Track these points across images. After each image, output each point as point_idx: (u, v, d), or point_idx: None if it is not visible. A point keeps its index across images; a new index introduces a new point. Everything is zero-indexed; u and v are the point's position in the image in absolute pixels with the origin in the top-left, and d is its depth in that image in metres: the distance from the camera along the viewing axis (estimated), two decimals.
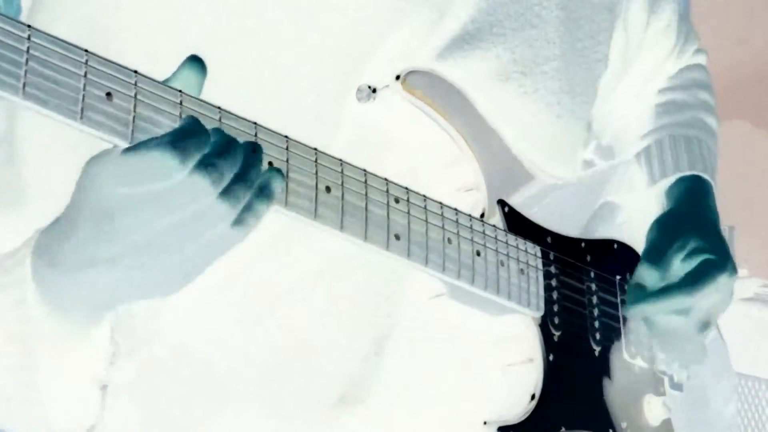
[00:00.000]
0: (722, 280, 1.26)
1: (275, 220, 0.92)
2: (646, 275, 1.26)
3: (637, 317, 1.27)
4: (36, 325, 0.96)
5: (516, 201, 1.17)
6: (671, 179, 1.39)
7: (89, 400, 1.02)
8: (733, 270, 1.28)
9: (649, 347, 1.30)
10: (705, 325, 1.27)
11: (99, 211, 0.86)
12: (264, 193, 0.88)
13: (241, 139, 0.88)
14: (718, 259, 1.26)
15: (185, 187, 0.84)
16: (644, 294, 1.25)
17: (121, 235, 0.86)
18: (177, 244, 0.87)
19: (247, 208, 0.87)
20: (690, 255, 1.26)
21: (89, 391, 1.01)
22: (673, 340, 1.28)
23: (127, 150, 0.84)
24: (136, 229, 0.86)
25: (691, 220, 1.31)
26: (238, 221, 0.87)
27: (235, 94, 1.02)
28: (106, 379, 1.04)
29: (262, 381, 1.09)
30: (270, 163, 0.92)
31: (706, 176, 1.40)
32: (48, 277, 0.93)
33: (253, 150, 0.88)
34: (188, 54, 0.90)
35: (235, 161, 0.86)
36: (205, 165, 0.84)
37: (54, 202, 0.93)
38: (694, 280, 1.24)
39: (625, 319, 1.28)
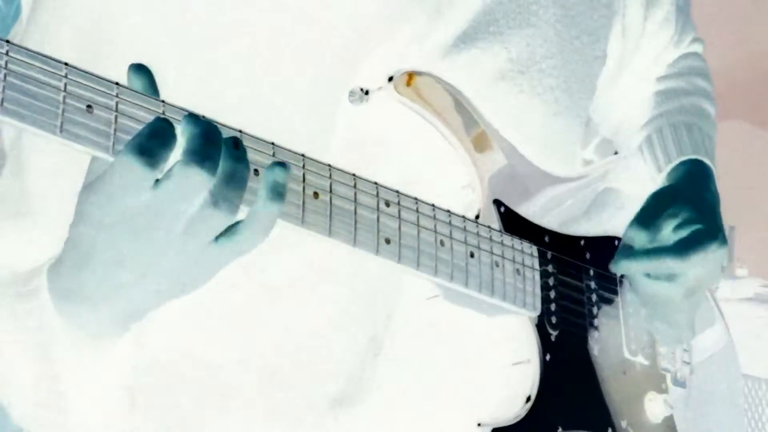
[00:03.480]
0: (712, 249, 1.26)
1: None
2: (635, 236, 1.26)
3: (624, 273, 1.27)
4: (59, 348, 0.97)
5: (530, 210, 1.17)
6: (674, 163, 1.39)
7: (119, 407, 1.04)
8: (723, 242, 1.28)
9: (651, 342, 1.30)
10: (691, 294, 1.27)
11: (117, 234, 0.87)
12: (275, 192, 0.89)
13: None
14: (709, 230, 1.27)
15: (176, 188, 0.85)
16: (632, 252, 1.25)
17: (148, 249, 0.88)
18: (191, 250, 0.88)
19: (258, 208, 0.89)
20: (682, 225, 1.26)
21: (118, 398, 1.03)
22: (661, 307, 1.27)
23: (98, 176, 0.85)
24: (160, 237, 0.87)
25: (688, 194, 1.32)
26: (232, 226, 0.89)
27: (228, 97, 1.02)
28: (134, 383, 1.06)
29: (260, 382, 1.10)
30: (256, 171, 0.91)
31: (707, 161, 1.39)
32: (69, 309, 0.95)
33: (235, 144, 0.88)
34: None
35: (218, 150, 0.86)
36: (188, 160, 0.85)
37: (61, 214, 0.94)
38: (684, 246, 1.25)
39: (625, 317, 1.27)
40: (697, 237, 1.26)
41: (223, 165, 0.86)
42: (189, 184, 0.85)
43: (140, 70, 0.87)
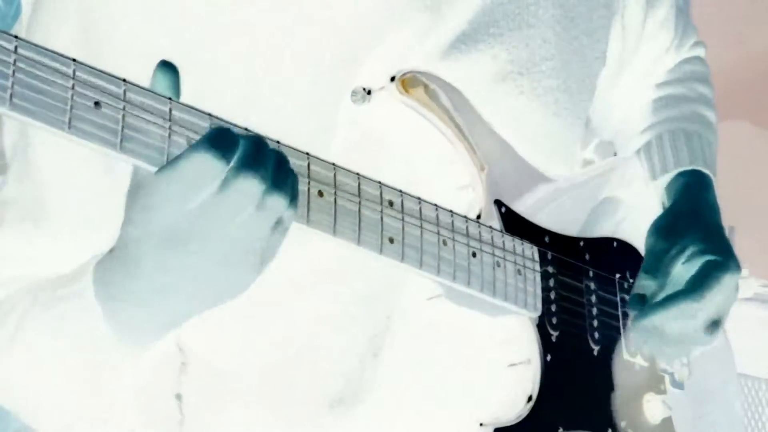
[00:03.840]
0: (726, 279, 1.25)
1: None
2: (645, 285, 1.25)
3: (648, 329, 1.25)
4: (107, 352, 0.97)
5: (522, 206, 1.17)
6: (671, 174, 1.39)
7: (167, 411, 1.03)
8: (736, 267, 1.27)
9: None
10: (715, 324, 1.26)
11: (164, 239, 0.87)
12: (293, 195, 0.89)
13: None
14: (720, 259, 1.25)
15: (235, 187, 0.85)
16: (649, 305, 1.24)
17: (193, 253, 0.88)
18: (243, 249, 0.88)
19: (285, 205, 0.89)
20: (690, 258, 1.26)
21: (165, 402, 1.03)
22: (682, 341, 1.27)
23: (164, 168, 0.84)
24: (205, 241, 0.87)
25: (690, 220, 1.30)
26: (278, 223, 0.89)
27: (231, 96, 1.02)
28: (179, 388, 1.06)
29: (260, 382, 1.10)
30: None
31: (706, 171, 1.39)
32: (117, 310, 0.95)
33: (281, 155, 0.89)
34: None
35: (270, 158, 0.87)
36: (248, 161, 0.85)
37: (74, 216, 0.94)
38: (698, 285, 1.23)
39: (624, 318, 1.28)
40: (710, 271, 1.24)
41: (273, 173, 0.87)
42: (243, 192, 0.86)
43: (167, 68, 0.87)
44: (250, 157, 0.86)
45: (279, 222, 0.89)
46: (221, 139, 0.85)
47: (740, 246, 1.31)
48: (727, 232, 1.31)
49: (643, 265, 1.27)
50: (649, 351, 1.28)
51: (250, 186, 0.85)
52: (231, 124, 0.89)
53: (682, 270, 1.25)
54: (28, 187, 1.04)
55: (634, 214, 1.32)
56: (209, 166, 0.84)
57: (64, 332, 0.98)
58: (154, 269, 0.89)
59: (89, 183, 0.89)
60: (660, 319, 1.23)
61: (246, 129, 0.90)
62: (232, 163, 0.85)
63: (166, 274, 0.89)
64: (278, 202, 0.87)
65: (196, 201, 0.85)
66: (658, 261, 1.26)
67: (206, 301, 0.93)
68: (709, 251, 1.26)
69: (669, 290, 1.24)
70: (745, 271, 2.26)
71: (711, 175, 1.39)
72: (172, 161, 0.84)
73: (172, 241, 0.87)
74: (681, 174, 1.38)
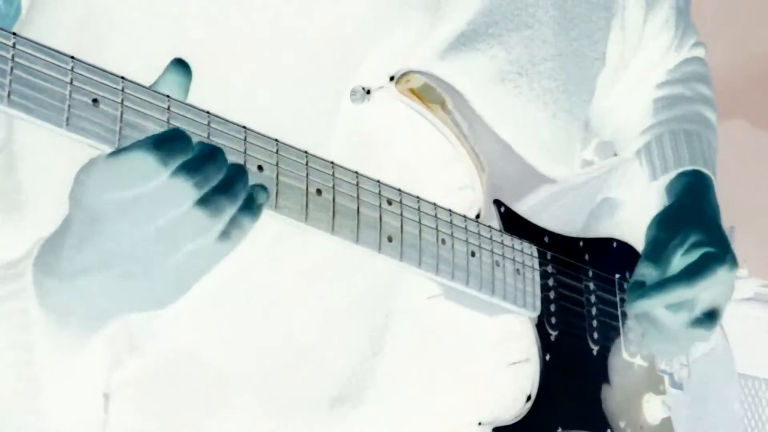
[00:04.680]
0: (722, 272, 1.25)
1: (270, 222, 0.92)
2: (646, 273, 1.26)
3: (639, 314, 1.26)
4: (36, 335, 0.97)
5: (525, 207, 1.17)
6: (672, 174, 1.39)
7: (92, 409, 1.03)
8: (734, 263, 1.27)
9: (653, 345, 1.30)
10: (709, 318, 1.27)
11: (88, 218, 0.87)
12: (249, 207, 0.88)
13: (229, 155, 0.88)
14: (717, 252, 1.26)
15: (167, 191, 0.84)
16: (643, 290, 1.25)
17: (109, 241, 0.87)
18: (162, 253, 0.87)
19: (233, 222, 0.87)
20: (690, 249, 1.26)
21: (92, 400, 1.02)
22: (673, 333, 1.27)
23: (111, 154, 0.84)
24: (123, 234, 0.86)
25: (691, 215, 1.31)
26: (224, 235, 0.87)
27: (229, 95, 1.02)
28: (108, 387, 1.05)
29: (260, 382, 1.10)
30: (260, 167, 0.92)
31: (706, 171, 1.39)
32: (46, 285, 0.94)
33: (239, 169, 0.88)
34: (186, 53, 0.90)
35: (220, 170, 0.86)
36: (188, 168, 0.85)
37: (53, 209, 0.94)
38: (692, 273, 1.24)
39: (624, 318, 1.28)
40: (706, 261, 1.25)
41: (219, 183, 0.86)
42: (178, 190, 0.85)
43: (181, 67, 0.88)
44: (193, 163, 0.85)
45: (225, 233, 0.87)
46: (170, 141, 0.85)
47: (740, 246, 1.31)
48: (727, 232, 1.31)
49: (643, 252, 1.27)
50: (647, 346, 1.28)
51: (181, 191, 0.85)
52: (227, 121, 0.90)
53: (681, 260, 1.26)
54: (11, 178, 1.04)
55: (633, 215, 1.32)
56: (147, 165, 0.84)
57: (2, 312, 0.98)
58: (74, 247, 0.89)
59: (68, 179, 0.88)
60: (652, 303, 1.24)
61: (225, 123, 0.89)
62: (172, 167, 0.84)
63: (83, 253, 0.89)
64: (213, 213, 0.86)
65: (128, 193, 0.85)
66: (659, 249, 1.26)
67: (122, 299, 0.91)
68: (707, 244, 1.26)
69: (664, 277, 1.25)
70: (745, 271, 2.26)
71: (711, 175, 1.40)
72: (120, 150, 0.84)
73: (94, 221, 0.86)
74: (682, 174, 1.38)
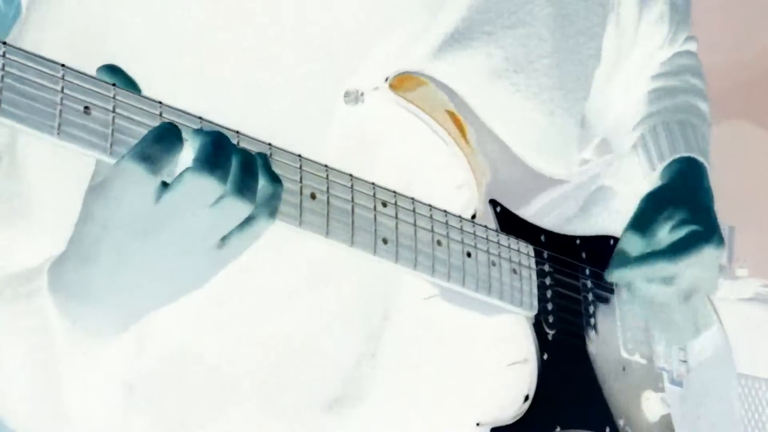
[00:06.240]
0: (707, 250, 1.26)
1: None
2: (630, 242, 1.26)
3: (619, 282, 1.27)
4: (62, 347, 0.98)
5: (529, 212, 1.17)
6: (667, 161, 1.39)
7: (115, 406, 1.04)
8: (720, 243, 1.28)
9: (647, 341, 1.30)
10: (688, 296, 1.27)
11: (122, 235, 0.88)
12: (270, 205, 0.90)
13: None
14: (704, 231, 1.27)
15: (191, 185, 0.86)
16: (627, 259, 1.25)
17: (151, 251, 0.89)
18: (196, 243, 0.89)
19: (249, 220, 0.89)
20: (677, 226, 1.27)
21: (116, 397, 1.03)
22: (659, 310, 1.28)
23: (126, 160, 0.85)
24: (164, 241, 0.88)
25: (682, 194, 1.32)
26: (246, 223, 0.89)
27: (223, 98, 1.02)
28: (130, 378, 1.06)
29: (258, 383, 1.10)
30: None
31: (701, 159, 1.39)
32: (70, 307, 0.95)
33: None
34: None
35: (234, 161, 0.88)
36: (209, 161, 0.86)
37: (58, 215, 0.94)
38: (678, 248, 1.25)
39: (622, 317, 1.27)
40: (691, 238, 1.26)
41: (234, 173, 0.87)
42: (198, 191, 0.86)
43: (112, 71, 0.87)
44: (211, 156, 0.86)
45: (247, 222, 0.89)
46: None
47: (740, 246, 1.31)
48: (727, 232, 1.31)
49: (630, 222, 1.28)
50: (639, 341, 1.28)
51: (204, 186, 0.86)
52: (220, 126, 0.89)
53: (668, 236, 1.26)
54: (15, 183, 1.04)
55: (628, 205, 1.32)
56: (138, 178, 0.85)
57: (20, 330, 0.99)
58: (112, 265, 0.90)
59: (72, 184, 0.89)
60: (633, 275, 1.24)
61: (205, 123, 0.90)
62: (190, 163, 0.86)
63: (125, 269, 0.90)
64: (236, 204, 0.88)
65: (146, 201, 0.86)
66: (646, 221, 1.27)
67: (160, 296, 0.94)
68: (695, 222, 1.27)
69: (650, 249, 1.25)
70: (745, 271, 2.26)
71: (705, 163, 1.40)
72: (119, 163, 0.85)
73: (127, 235, 0.88)
74: (676, 160, 1.39)
